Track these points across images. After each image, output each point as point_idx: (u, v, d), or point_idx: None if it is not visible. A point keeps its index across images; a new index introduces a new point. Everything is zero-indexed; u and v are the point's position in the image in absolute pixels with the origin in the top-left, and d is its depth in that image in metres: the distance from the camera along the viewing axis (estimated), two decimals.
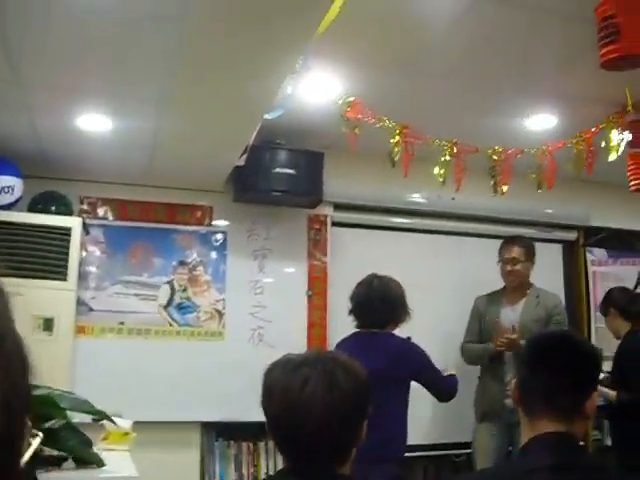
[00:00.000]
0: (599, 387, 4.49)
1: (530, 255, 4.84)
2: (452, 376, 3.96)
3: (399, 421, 3.68)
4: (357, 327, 3.89)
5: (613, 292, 4.91)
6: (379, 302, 3.82)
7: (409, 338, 3.87)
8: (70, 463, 2.22)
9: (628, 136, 4.18)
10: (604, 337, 5.60)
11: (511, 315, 4.74)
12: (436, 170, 4.17)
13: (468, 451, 4.88)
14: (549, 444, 1.69)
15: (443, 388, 3.86)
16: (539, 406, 1.73)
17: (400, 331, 3.89)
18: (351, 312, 3.92)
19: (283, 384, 1.66)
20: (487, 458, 4.56)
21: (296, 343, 4.64)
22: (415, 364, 3.75)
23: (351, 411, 1.66)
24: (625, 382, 4.41)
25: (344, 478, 1.68)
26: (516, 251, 4.80)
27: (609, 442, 5.84)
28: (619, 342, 4.72)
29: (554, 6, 3.27)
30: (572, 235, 6.03)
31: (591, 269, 6.08)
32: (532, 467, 1.65)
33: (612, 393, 4.46)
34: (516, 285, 4.82)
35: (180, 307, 4.72)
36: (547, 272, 5.30)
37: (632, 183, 4.49)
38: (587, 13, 2.98)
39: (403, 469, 3.78)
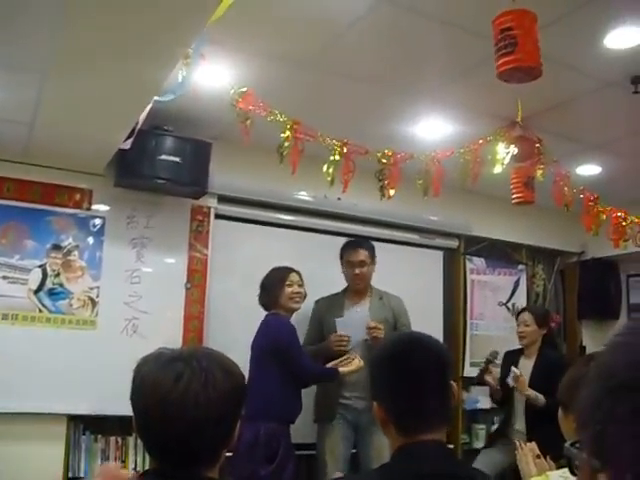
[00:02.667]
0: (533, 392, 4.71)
1: (374, 257, 4.93)
2: (327, 368, 4.39)
3: (274, 387, 4.21)
4: None
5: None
6: (260, 288, 4.55)
7: None
8: None
9: (514, 150, 4.30)
10: (478, 344, 5.78)
11: (360, 314, 4.78)
12: (324, 169, 4.16)
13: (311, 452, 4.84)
14: (435, 452, 1.68)
15: (297, 369, 4.26)
16: (416, 427, 1.71)
17: None
18: None
19: (154, 379, 1.54)
20: (336, 460, 4.59)
21: (171, 336, 4.55)
22: (274, 338, 4.34)
23: (226, 412, 1.57)
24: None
25: None
26: (363, 254, 4.86)
27: (477, 446, 6.05)
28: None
29: (453, 18, 3.33)
30: (453, 243, 6.19)
31: (470, 277, 6.26)
32: (426, 472, 1.63)
33: (541, 397, 4.71)
34: (361, 287, 4.88)
35: (51, 293, 4.49)
36: (427, 278, 5.42)
37: (514, 196, 4.64)
38: (483, 28, 3.03)
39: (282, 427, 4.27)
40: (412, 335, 2.02)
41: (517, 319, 5.16)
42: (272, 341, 4.35)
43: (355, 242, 4.98)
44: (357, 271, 4.83)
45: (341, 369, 4.44)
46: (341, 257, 4.93)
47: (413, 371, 1.73)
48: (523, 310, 5.25)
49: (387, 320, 4.79)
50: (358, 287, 4.89)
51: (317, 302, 4.94)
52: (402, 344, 1.89)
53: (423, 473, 1.63)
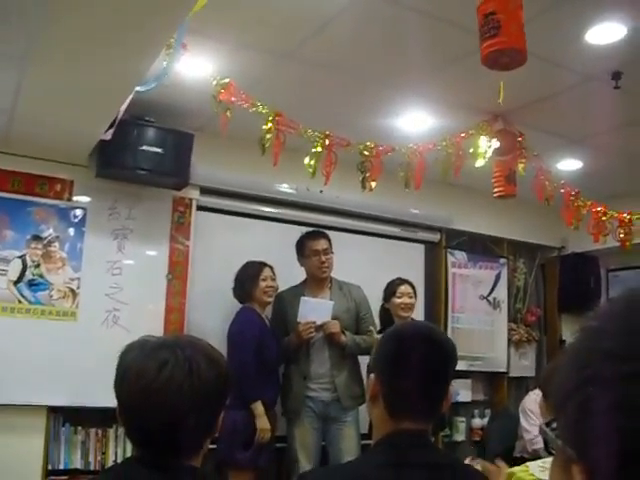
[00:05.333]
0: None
1: (332, 247, 4.94)
2: (250, 388, 4.44)
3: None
4: None
5: None
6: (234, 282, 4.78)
7: None
8: None
9: (496, 144, 4.32)
10: (459, 337, 5.81)
11: (323, 301, 4.82)
12: (306, 161, 4.15)
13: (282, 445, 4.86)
14: (415, 441, 1.69)
15: (231, 358, 4.22)
16: (405, 409, 1.71)
17: None
18: None
19: (138, 367, 1.53)
20: (307, 452, 4.65)
21: (152, 328, 4.51)
22: (229, 330, 4.59)
23: (210, 400, 1.57)
24: None
25: (194, 471, 1.58)
26: (325, 243, 4.90)
27: (458, 439, 6.10)
28: None
29: (436, 10, 3.34)
30: (435, 236, 6.21)
31: (451, 271, 6.28)
32: (403, 461, 1.64)
33: None
34: (326, 276, 4.91)
35: (31, 284, 4.46)
36: (409, 271, 5.42)
37: (496, 189, 4.67)
38: (466, 21, 3.03)
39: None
40: (431, 327, 2.05)
41: (397, 291, 4.97)
42: (228, 333, 4.61)
43: (317, 232, 5.01)
44: (323, 258, 4.84)
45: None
46: (302, 248, 4.92)
47: (419, 357, 1.73)
48: (403, 282, 5.05)
49: (349, 310, 4.85)
50: (324, 275, 4.89)
51: (278, 296, 4.92)
52: (418, 329, 1.95)
53: (404, 462, 1.64)
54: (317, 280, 4.90)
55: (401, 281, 5.00)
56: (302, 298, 4.74)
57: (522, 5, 2.85)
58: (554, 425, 0.73)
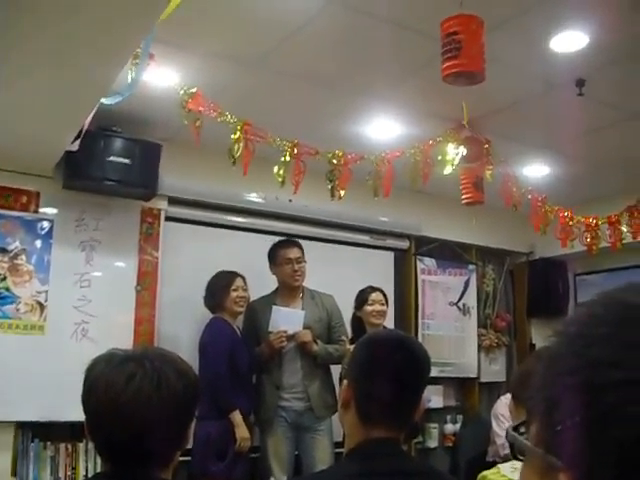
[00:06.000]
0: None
1: (304, 256, 4.94)
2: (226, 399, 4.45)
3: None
4: None
5: None
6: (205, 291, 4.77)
7: None
8: None
9: (463, 151, 4.35)
10: (429, 343, 5.82)
11: (295, 310, 4.83)
12: (275, 170, 4.15)
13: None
14: (387, 450, 1.69)
15: (203, 370, 4.31)
16: (377, 416, 1.71)
17: None
18: None
19: (106, 379, 1.52)
20: (281, 462, 4.63)
21: (122, 340, 4.47)
22: (201, 341, 4.59)
23: (179, 412, 1.56)
24: None
25: None
26: (298, 251, 4.91)
27: (430, 445, 6.12)
28: None
29: (403, 20, 3.37)
30: (404, 244, 6.24)
31: (421, 277, 6.32)
32: (374, 470, 1.64)
33: None
34: (299, 285, 4.91)
35: None
36: (379, 279, 5.43)
37: (464, 196, 4.70)
38: (433, 29, 3.06)
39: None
40: (405, 335, 2.06)
41: (368, 299, 4.96)
42: (200, 344, 4.60)
43: (289, 240, 5.01)
44: (296, 267, 4.84)
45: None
46: (274, 257, 4.91)
47: (393, 364, 1.74)
48: (375, 289, 5.05)
49: (321, 319, 4.86)
50: (297, 284, 4.89)
51: (249, 306, 4.87)
52: (393, 338, 1.94)
53: (376, 471, 1.63)
54: (289, 289, 4.89)
55: (372, 289, 5.01)
56: (274, 307, 4.73)
57: (483, 24, 2.93)
58: (522, 430, 0.71)
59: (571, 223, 5.51)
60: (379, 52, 3.69)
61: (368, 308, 4.92)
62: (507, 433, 0.76)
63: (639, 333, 0.61)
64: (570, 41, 3.55)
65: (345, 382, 1.81)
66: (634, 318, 0.63)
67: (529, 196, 5.26)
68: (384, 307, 4.98)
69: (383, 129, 4.72)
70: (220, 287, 4.69)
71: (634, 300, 0.65)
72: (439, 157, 4.41)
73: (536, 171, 5.59)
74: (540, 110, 4.43)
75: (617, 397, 0.58)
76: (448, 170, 4.37)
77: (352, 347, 4.17)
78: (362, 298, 4.98)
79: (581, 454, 0.60)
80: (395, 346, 1.80)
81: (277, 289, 4.95)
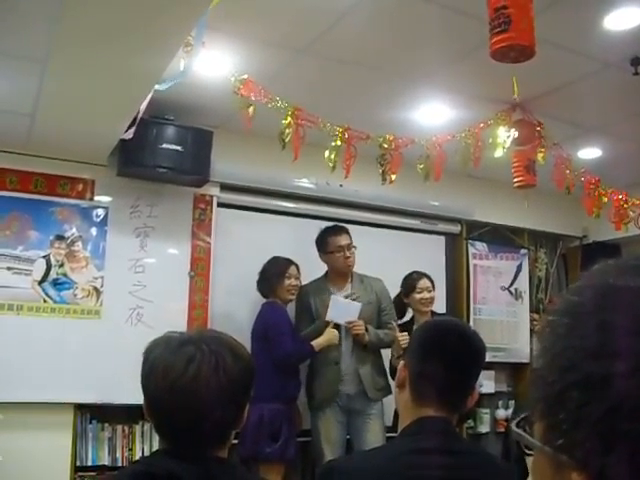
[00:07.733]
0: None
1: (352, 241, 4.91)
2: (304, 345, 4.56)
3: (272, 370, 4.42)
4: None
5: None
6: (259, 275, 4.81)
7: None
8: None
9: (514, 134, 4.30)
10: (481, 329, 5.78)
11: (351, 300, 4.79)
12: (326, 155, 4.16)
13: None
14: (437, 428, 1.71)
15: (276, 350, 4.47)
16: (429, 396, 1.74)
17: None
18: None
19: (165, 363, 1.55)
20: (332, 446, 4.63)
21: (176, 324, 4.52)
22: (263, 324, 4.61)
23: (236, 394, 1.59)
24: None
25: (222, 461, 1.61)
26: (348, 237, 4.86)
27: (482, 430, 6.10)
28: None
29: (451, 1, 3.32)
30: (455, 228, 6.19)
31: (472, 262, 6.27)
32: (424, 447, 1.66)
33: None
34: (351, 271, 4.89)
35: (56, 283, 4.51)
36: (430, 264, 5.41)
37: (516, 180, 4.65)
38: (481, 11, 3.03)
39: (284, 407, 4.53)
40: (464, 323, 2.12)
41: (417, 287, 4.93)
42: (262, 327, 4.61)
43: (338, 227, 4.96)
44: (348, 254, 4.82)
45: (315, 342, 4.58)
46: (324, 244, 4.87)
47: (448, 348, 1.78)
48: (422, 275, 5.01)
49: (370, 302, 4.82)
50: (349, 270, 4.88)
51: (301, 289, 4.87)
52: (452, 324, 2.02)
53: (427, 448, 1.65)
54: (339, 274, 4.90)
55: (419, 275, 4.97)
56: (332, 297, 4.71)
57: None
58: (525, 426, 0.68)
59: (625, 206, 5.41)
60: (427, 35, 3.67)
61: (417, 296, 4.89)
62: (513, 432, 0.72)
63: (635, 318, 0.59)
64: (625, 18, 3.46)
65: (402, 362, 1.85)
66: (627, 303, 0.60)
67: (582, 179, 5.18)
68: (432, 293, 4.94)
69: (433, 113, 4.69)
70: (274, 274, 4.71)
71: (621, 282, 0.62)
72: (490, 140, 4.37)
73: (589, 153, 5.49)
74: (594, 91, 4.35)
75: (624, 389, 0.56)
76: (499, 153, 4.33)
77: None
78: (410, 285, 4.94)
79: (592, 452, 0.58)
80: (453, 331, 1.86)
81: (326, 273, 4.96)
